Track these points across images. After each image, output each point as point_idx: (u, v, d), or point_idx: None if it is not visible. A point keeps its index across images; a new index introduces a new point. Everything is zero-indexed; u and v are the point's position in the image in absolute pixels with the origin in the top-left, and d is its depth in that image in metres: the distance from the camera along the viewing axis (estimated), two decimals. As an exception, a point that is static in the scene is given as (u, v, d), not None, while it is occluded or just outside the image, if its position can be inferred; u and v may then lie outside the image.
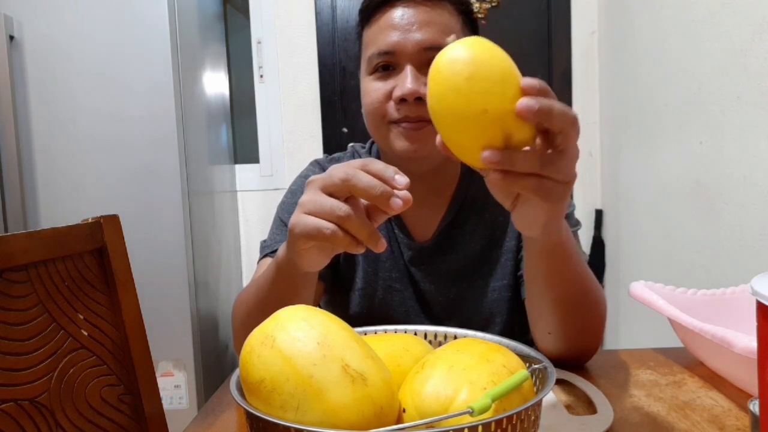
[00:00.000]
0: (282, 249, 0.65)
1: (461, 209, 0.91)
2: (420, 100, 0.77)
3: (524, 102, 0.43)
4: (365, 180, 0.52)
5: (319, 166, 0.96)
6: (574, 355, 0.77)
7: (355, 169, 0.53)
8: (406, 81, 0.78)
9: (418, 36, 0.78)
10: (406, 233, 0.91)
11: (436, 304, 0.91)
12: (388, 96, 0.80)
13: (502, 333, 0.86)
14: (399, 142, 0.81)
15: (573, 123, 0.47)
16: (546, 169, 0.47)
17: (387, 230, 0.92)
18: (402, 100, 0.78)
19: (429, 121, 0.76)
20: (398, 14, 0.80)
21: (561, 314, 0.70)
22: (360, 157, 0.95)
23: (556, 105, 0.45)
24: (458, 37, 0.48)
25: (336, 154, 1.00)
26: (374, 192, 0.51)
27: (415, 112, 0.79)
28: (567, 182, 0.49)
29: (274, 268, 0.67)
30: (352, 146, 1.00)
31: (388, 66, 0.81)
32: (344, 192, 0.53)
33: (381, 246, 0.53)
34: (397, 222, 0.92)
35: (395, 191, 0.52)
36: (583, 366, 0.79)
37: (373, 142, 0.98)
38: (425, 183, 0.87)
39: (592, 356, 0.79)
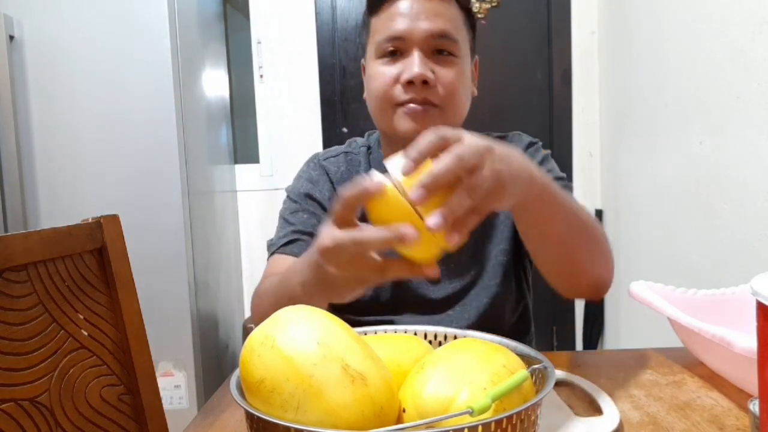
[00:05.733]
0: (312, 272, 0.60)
1: None
2: (426, 83, 0.81)
3: (432, 221, 0.46)
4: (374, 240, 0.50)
5: (315, 164, 0.99)
6: (593, 287, 0.79)
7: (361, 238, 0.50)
8: (413, 65, 0.82)
9: (426, 24, 0.83)
10: None
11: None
12: (396, 79, 0.84)
13: (497, 296, 0.90)
14: (404, 123, 0.84)
15: (457, 151, 0.48)
16: (476, 193, 0.48)
17: None
18: (409, 83, 0.82)
19: (434, 104, 0.82)
20: (407, 4, 0.84)
21: (568, 248, 0.72)
22: (357, 156, 0.96)
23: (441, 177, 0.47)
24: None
25: (332, 149, 1.01)
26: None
27: (421, 94, 0.83)
28: (495, 178, 0.50)
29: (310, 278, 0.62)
30: (349, 143, 1.01)
31: (395, 51, 0.84)
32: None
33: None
34: None
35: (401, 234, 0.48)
36: (587, 366, 0.80)
37: (370, 134, 1.00)
38: None
39: (607, 288, 0.80)
